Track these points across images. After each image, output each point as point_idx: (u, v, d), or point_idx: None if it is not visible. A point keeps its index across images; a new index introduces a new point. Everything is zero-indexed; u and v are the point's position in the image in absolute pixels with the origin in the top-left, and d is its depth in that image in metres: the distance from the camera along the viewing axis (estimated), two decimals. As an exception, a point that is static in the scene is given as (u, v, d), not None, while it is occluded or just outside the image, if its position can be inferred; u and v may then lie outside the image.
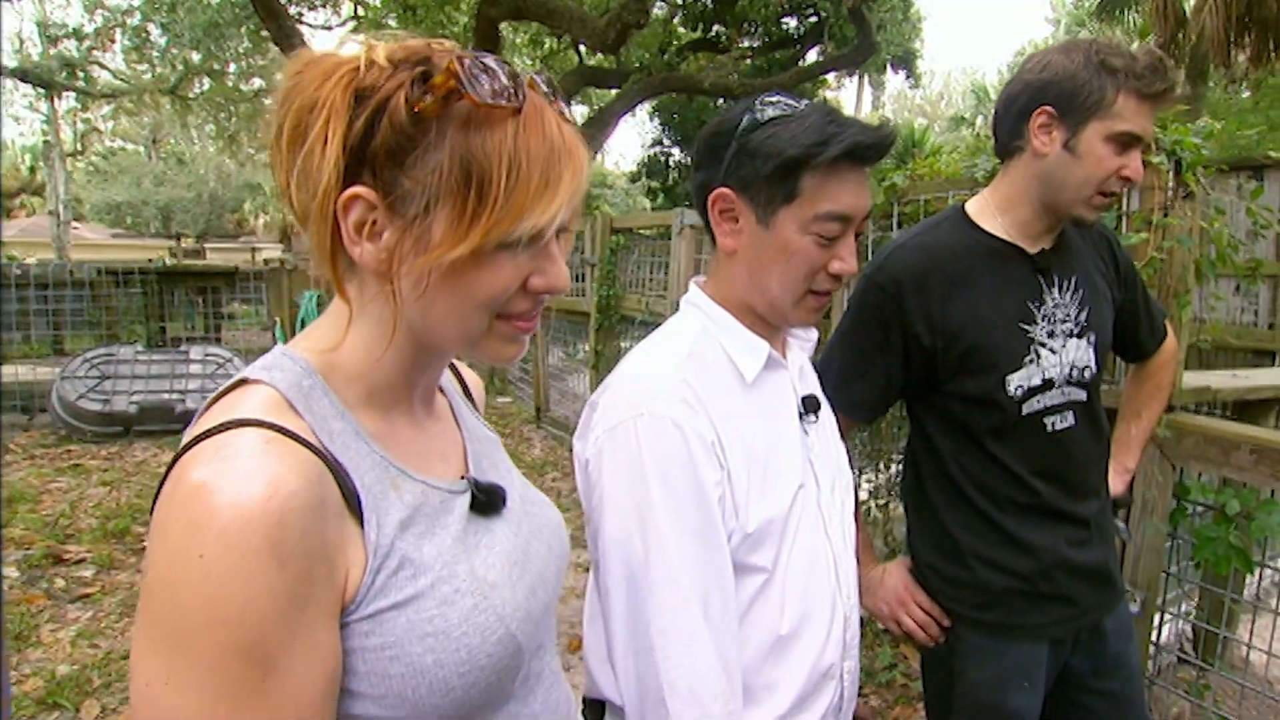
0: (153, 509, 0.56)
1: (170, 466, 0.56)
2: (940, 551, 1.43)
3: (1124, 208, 2.04)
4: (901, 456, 1.62)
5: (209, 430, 0.56)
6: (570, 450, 6.20)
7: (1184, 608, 2.49)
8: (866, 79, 25.86)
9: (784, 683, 0.98)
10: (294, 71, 0.61)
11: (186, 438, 0.58)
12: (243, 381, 0.62)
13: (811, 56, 16.68)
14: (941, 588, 1.43)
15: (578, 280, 6.04)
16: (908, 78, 20.16)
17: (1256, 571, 2.26)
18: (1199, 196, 2.01)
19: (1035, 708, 1.40)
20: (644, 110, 18.66)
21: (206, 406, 0.62)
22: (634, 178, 19.60)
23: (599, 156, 18.39)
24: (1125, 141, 1.26)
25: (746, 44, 17.05)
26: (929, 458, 1.44)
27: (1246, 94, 14.67)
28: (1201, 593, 2.23)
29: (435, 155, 0.59)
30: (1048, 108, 1.29)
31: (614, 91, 15.50)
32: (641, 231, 5.58)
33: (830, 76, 18.20)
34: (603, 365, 5.62)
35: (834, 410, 1.17)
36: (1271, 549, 2.37)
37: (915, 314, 1.35)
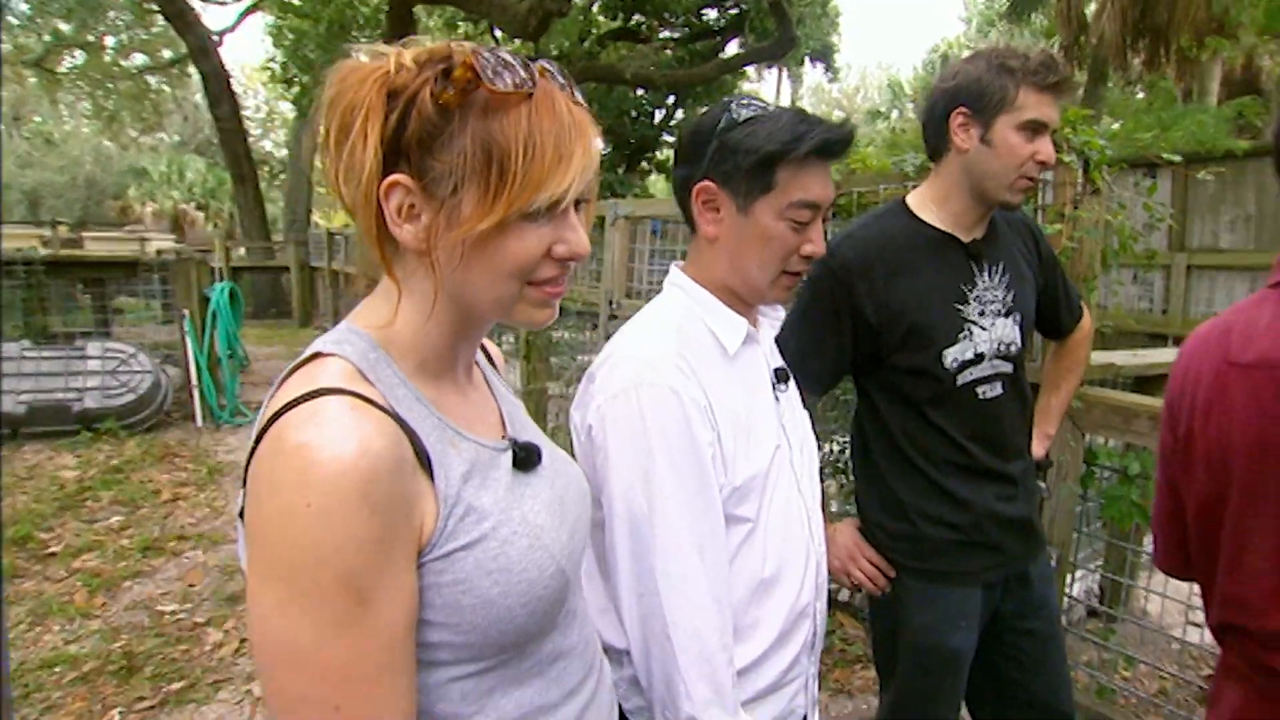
0: (246, 471, 0.66)
1: (262, 432, 0.66)
2: (885, 509, 1.63)
3: (1039, 201, 2.29)
4: (834, 436, 1.81)
5: (300, 397, 0.65)
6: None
7: (1094, 565, 2.80)
8: (785, 72, 26.58)
9: (766, 621, 1.14)
10: (337, 80, 0.70)
11: (275, 404, 0.67)
12: (316, 355, 0.71)
13: (732, 49, 17.04)
14: (887, 542, 1.63)
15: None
16: (826, 71, 20.86)
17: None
18: (1104, 192, 2.29)
19: (971, 646, 1.62)
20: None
21: (284, 378, 0.71)
22: (555, 168, 19.59)
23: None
24: (1033, 129, 1.48)
25: (667, 34, 17.30)
26: (875, 426, 1.64)
27: (1141, 95, 15.78)
28: (1108, 549, 2.52)
29: (460, 140, 0.69)
30: (962, 109, 1.51)
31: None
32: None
33: (750, 69, 18.65)
34: (534, 355, 5.68)
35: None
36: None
37: (862, 296, 1.53)
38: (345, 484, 0.61)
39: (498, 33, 13.43)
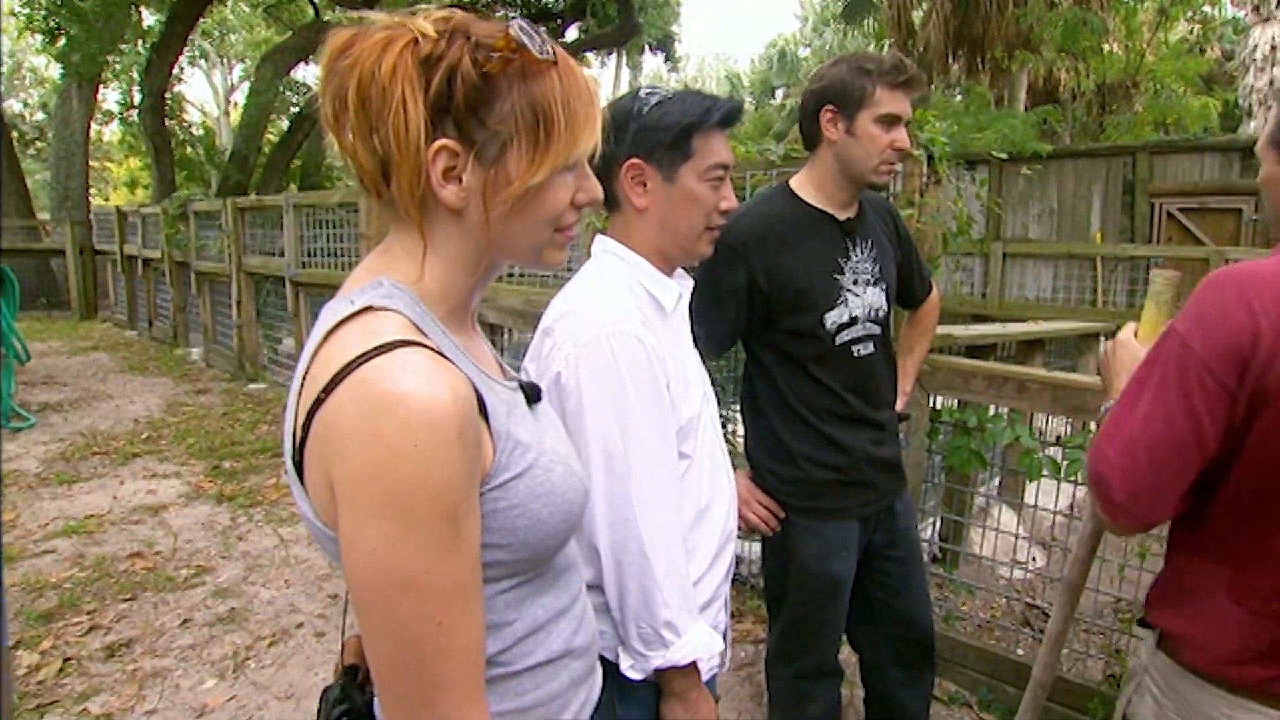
0: (307, 424, 0.73)
1: (333, 383, 0.71)
2: (774, 456, 1.92)
3: (893, 189, 2.68)
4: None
5: (377, 348, 0.71)
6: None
7: (937, 517, 3.29)
8: (625, 59, 27.20)
9: (703, 544, 1.37)
10: (341, 49, 0.76)
11: (339, 356, 0.72)
12: (369, 309, 0.77)
13: (572, 33, 17.24)
14: (777, 485, 1.92)
15: (352, 256, 6.01)
16: (666, 60, 21.61)
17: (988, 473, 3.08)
18: (945, 183, 2.71)
19: (850, 573, 1.95)
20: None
21: (329, 332, 0.76)
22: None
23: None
24: (889, 121, 1.80)
25: (503, 14, 17.25)
26: (764, 382, 1.92)
27: (960, 98, 17.53)
28: (949, 494, 3.00)
29: (505, 104, 0.78)
30: (830, 106, 1.82)
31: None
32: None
33: (590, 55, 18.95)
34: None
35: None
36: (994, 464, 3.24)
37: (756, 267, 1.80)
38: (446, 426, 0.70)
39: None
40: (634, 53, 23.07)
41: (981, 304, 9.43)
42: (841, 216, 1.89)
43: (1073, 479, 2.45)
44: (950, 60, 13.12)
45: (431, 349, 0.75)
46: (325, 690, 0.93)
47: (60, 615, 3.34)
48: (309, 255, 6.67)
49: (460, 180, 0.79)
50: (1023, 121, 11.37)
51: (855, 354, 1.88)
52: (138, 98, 12.71)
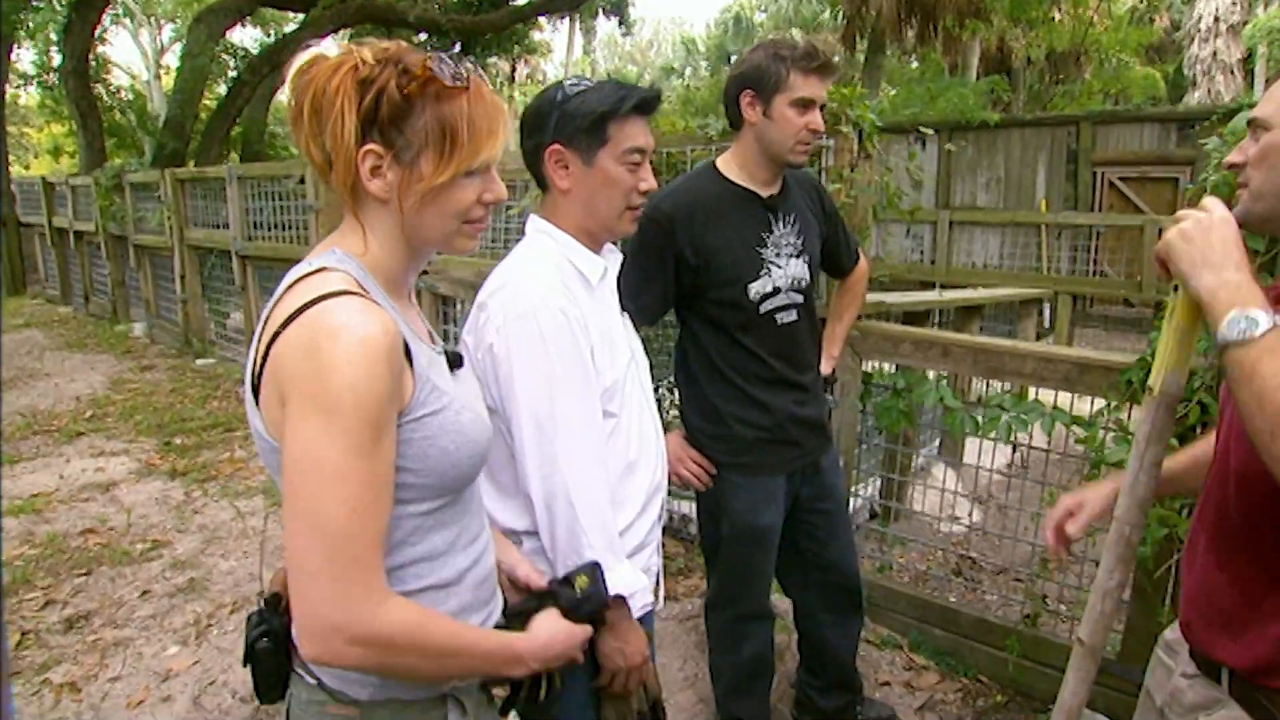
0: (268, 351, 0.94)
1: (289, 320, 0.93)
2: (705, 417, 2.12)
3: (823, 163, 2.87)
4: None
5: (328, 294, 0.94)
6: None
7: (874, 477, 3.54)
8: (578, 24, 27.00)
9: (632, 496, 1.55)
10: (308, 68, 0.99)
11: (296, 300, 0.94)
12: (323, 269, 1.00)
13: (522, -2, 17.09)
14: (708, 444, 2.12)
15: (299, 228, 6.05)
16: (620, 25, 21.53)
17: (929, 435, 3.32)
18: (875, 158, 2.91)
19: (778, 523, 2.16)
20: (334, 41, 17.82)
21: (294, 282, 0.99)
22: (328, 116, 18.64)
23: (282, 90, 17.21)
24: (802, 104, 1.98)
25: (437, 40, 17.00)
26: (695, 349, 2.12)
27: (916, 64, 17.80)
28: (887, 454, 3.25)
29: (420, 119, 1.00)
30: (748, 91, 2.00)
31: (298, 16, 14.73)
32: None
33: (543, 19, 18.82)
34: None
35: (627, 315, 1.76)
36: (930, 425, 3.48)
37: (683, 241, 1.98)
38: (375, 350, 0.92)
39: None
40: (587, 17, 22.91)
41: (929, 270, 9.79)
42: (764, 194, 2.07)
43: (991, 437, 2.68)
44: (903, 28, 13.36)
45: (369, 299, 0.97)
46: (248, 616, 1.13)
47: (14, 591, 3.42)
48: (255, 228, 6.67)
49: (385, 177, 1.02)
50: (973, 90, 11.67)
51: (779, 321, 2.07)
52: (57, 59, 12.34)
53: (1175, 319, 1.15)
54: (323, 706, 1.07)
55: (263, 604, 1.13)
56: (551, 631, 1.19)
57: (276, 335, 0.94)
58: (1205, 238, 1.07)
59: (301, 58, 1.01)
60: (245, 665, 1.12)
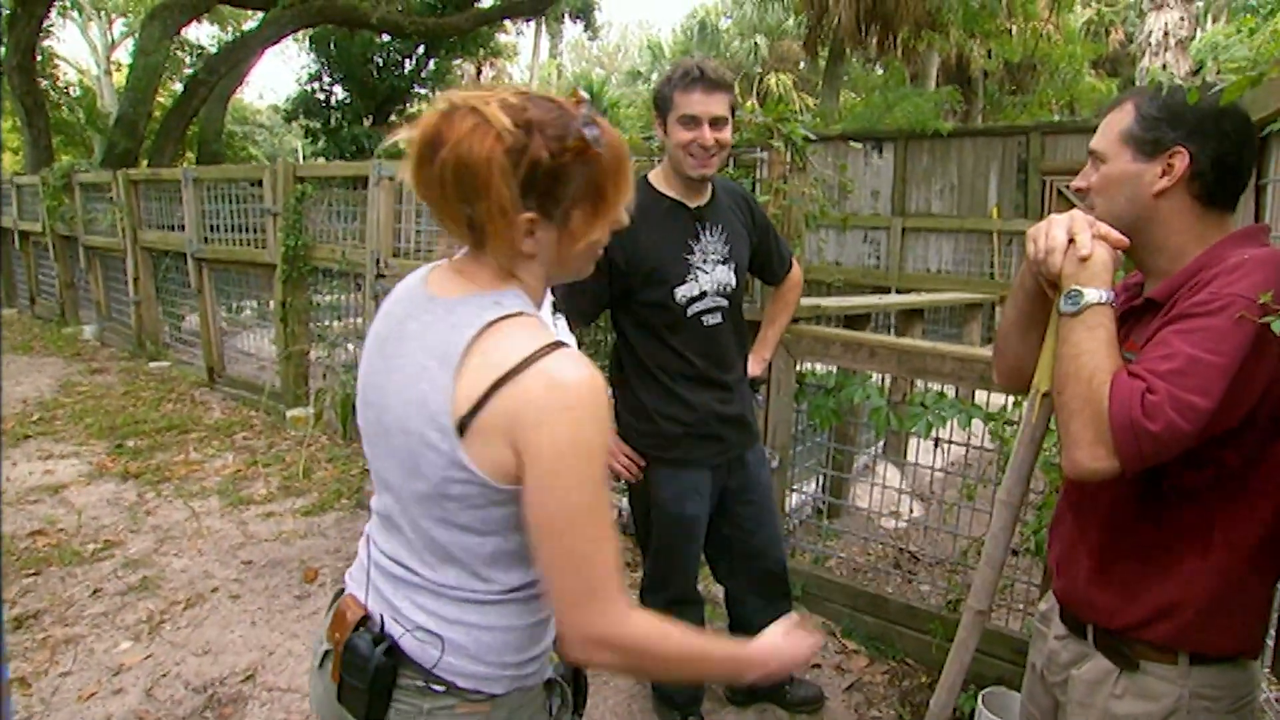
0: (489, 394, 1.00)
1: (518, 369, 1.00)
2: (634, 413, 2.30)
3: (758, 175, 3.06)
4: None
5: (548, 346, 1.02)
6: (257, 410, 6.17)
7: (815, 476, 3.74)
8: (544, 27, 27.13)
9: None
10: (431, 138, 1.02)
11: (518, 350, 1.01)
12: (521, 314, 1.07)
13: (487, 0, 17.20)
14: (637, 439, 2.30)
15: (257, 231, 6.12)
16: (586, 29, 21.69)
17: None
18: (808, 170, 3.11)
19: (704, 514, 2.35)
20: (294, 41, 17.80)
21: (491, 323, 1.04)
22: (289, 116, 18.64)
23: (240, 90, 17.13)
24: (687, 121, 2.16)
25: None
26: (626, 349, 2.30)
27: (881, 71, 18.18)
28: (827, 452, 3.46)
29: (573, 184, 1.06)
30: (656, 112, 2.22)
31: (256, 14, 14.69)
32: (330, 180, 5.85)
33: (508, 22, 18.91)
34: (293, 319, 5.78)
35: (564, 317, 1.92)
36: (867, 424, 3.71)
37: (614, 249, 2.15)
38: (603, 401, 1.04)
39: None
40: (553, 20, 23.04)
41: (884, 275, 10.11)
42: (691, 204, 2.26)
43: (913, 431, 2.88)
44: (862, 37, 13.71)
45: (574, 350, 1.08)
46: (349, 641, 1.17)
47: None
48: (211, 230, 6.71)
49: (536, 236, 1.08)
50: (929, 100, 12.03)
51: (704, 323, 2.25)
52: (0, 52, 12.21)
53: (1054, 324, 1.27)
54: (452, 710, 1.15)
55: (359, 630, 1.18)
56: (776, 641, 1.28)
57: (502, 381, 1.01)
58: (1050, 229, 1.23)
59: (427, 123, 1.04)
60: (367, 686, 1.14)
